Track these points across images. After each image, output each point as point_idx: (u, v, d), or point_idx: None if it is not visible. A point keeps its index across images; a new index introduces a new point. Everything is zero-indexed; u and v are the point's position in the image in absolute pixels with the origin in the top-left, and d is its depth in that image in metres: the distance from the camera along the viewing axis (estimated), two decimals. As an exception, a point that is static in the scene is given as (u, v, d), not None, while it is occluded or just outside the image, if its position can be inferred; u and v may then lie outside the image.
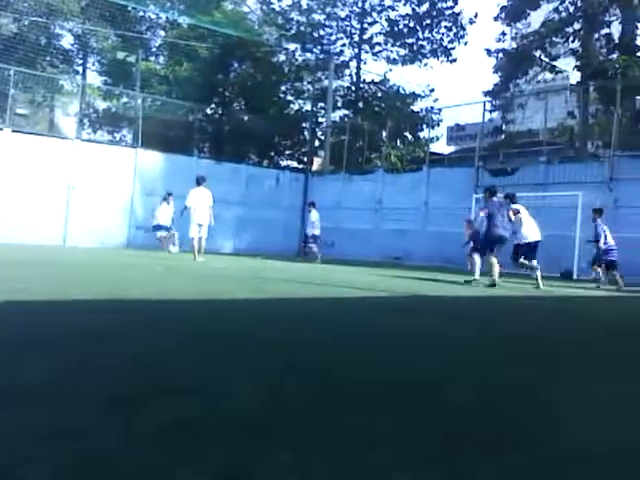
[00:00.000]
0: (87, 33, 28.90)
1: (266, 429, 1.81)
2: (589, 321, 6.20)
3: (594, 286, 12.15)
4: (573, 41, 25.09)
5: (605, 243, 12.37)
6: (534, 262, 10.60)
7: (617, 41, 24.20)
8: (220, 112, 29.74)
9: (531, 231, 10.85)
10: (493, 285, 9.81)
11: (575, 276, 14.96)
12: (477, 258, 10.66)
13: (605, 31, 24.59)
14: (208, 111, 28.93)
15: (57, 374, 2.34)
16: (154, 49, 31.11)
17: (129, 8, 27.97)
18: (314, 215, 17.45)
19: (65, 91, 28.50)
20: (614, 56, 23.71)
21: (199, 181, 13.73)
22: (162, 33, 31.06)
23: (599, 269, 12.37)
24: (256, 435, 1.75)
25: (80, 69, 30.33)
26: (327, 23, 30.71)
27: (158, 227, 16.51)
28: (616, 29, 24.52)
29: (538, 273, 10.42)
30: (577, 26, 25.02)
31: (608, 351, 4.03)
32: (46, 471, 1.40)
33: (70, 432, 1.67)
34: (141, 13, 29.97)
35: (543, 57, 26.19)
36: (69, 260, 11.23)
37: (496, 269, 9.96)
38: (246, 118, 28.79)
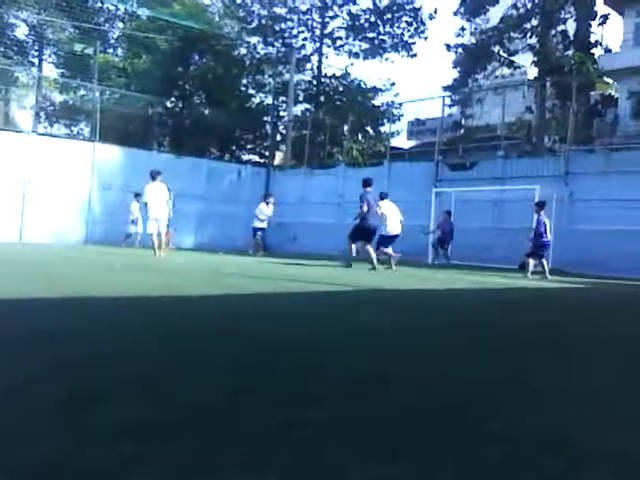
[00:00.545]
0: (43, 24, 28.23)
1: (222, 426, 1.81)
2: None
3: (538, 277, 12.45)
4: (531, 37, 25.55)
5: (544, 236, 12.75)
6: (390, 250, 12.79)
7: (572, 38, 24.74)
8: (180, 106, 29.45)
9: (394, 225, 13.07)
10: (374, 269, 11.75)
11: (532, 267, 15.25)
12: (370, 249, 12.29)
13: (561, 28, 25.10)
14: (168, 104, 28.61)
15: (8, 375, 2.31)
16: (112, 41, 30.61)
17: (86, -1, 27.44)
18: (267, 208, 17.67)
19: (20, 83, 27.85)
20: (570, 53, 24.23)
21: (154, 176, 13.47)
22: (120, 25, 30.56)
23: (533, 261, 12.81)
24: (212, 433, 1.76)
25: (36, 61, 29.66)
26: (288, 17, 30.61)
27: (134, 222, 17.20)
28: (571, 26, 25.06)
29: (393, 257, 12.61)
30: (534, 22, 25.48)
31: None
32: (1, 476, 1.39)
33: (24, 434, 1.65)
34: (99, 4, 29.41)
35: (501, 52, 26.61)
36: (24, 256, 11.00)
37: (374, 256, 12.05)
38: (207, 112, 28.57)
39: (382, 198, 13.63)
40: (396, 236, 13.18)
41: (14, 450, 1.55)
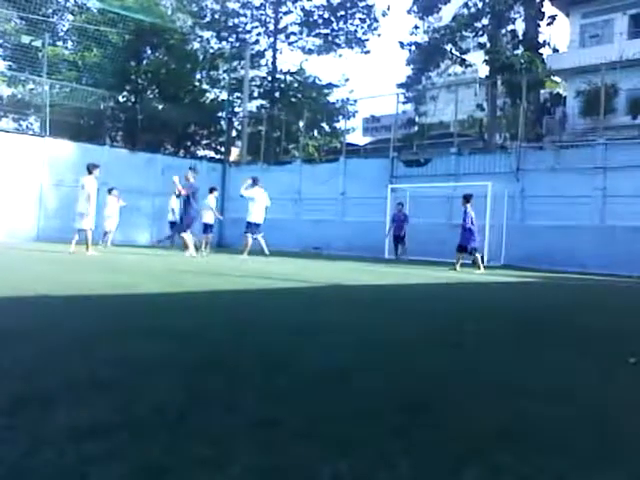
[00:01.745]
0: (-13, 14, 27.32)
1: (182, 425, 1.84)
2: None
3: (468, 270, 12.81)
4: (482, 36, 26.06)
5: (471, 229, 13.06)
6: (260, 236, 14.18)
7: (521, 37, 25.31)
8: (133, 100, 28.96)
9: (258, 214, 14.19)
10: (193, 257, 12.62)
11: (485, 262, 15.58)
12: (188, 236, 13.15)
13: (511, 27, 25.66)
14: (120, 99, 28.11)
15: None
16: (62, 34, 29.81)
17: (34, -11, 26.66)
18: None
19: (-36, 76, 26.93)
20: (519, 52, 24.78)
21: (90, 169, 12.91)
22: (70, 17, 29.81)
23: (463, 254, 13.09)
24: (172, 431, 1.78)
25: (-19, 53, 28.70)
26: (242, 12, 30.46)
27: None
28: (520, 26, 25.65)
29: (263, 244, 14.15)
30: (485, 21, 25.97)
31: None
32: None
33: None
34: (47, -5, 28.63)
35: (454, 51, 27.04)
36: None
37: (191, 244, 13.06)
38: (160, 107, 28.18)
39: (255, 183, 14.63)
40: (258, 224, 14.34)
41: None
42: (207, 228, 16.87)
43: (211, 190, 16.94)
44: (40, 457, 1.54)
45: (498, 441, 1.84)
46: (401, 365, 2.96)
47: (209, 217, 16.73)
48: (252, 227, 14.25)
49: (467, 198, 13.28)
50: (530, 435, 1.92)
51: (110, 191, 16.89)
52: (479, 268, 12.60)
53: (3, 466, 1.48)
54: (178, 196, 13.74)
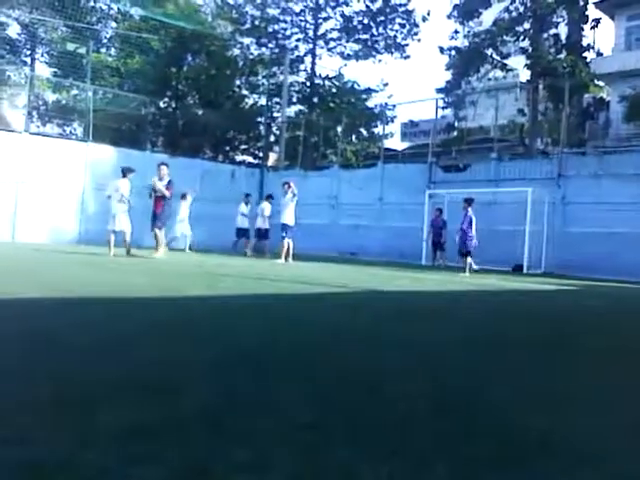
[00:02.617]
0: (35, 23, 28.09)
1: (223, 427, 1.83)
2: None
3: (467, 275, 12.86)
4: (523, 40, 25.66)
5: (469, 232, 13.28)
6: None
7: (564, 41, 24.86)
8: (173, 106, 29.38)
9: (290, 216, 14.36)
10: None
11: (525, 270, 15.34)
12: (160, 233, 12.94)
13: (553, 31, 25.22)
14: (161, 105, 28.56)
15: (6, 376, 2.32)
16: (105, 41, 30.47)
17: (79, -2, 27.32)
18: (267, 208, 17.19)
19: (12, 82, 27.70)
20: (562, 56, 24.35)
21: (124, 172, 13.14)
22: (113, 25, 30.44)
23: (468, 258, 13.31)
24: (213, 433, 1.77)
25: (28, 60, 29.49)
26: (282, 18, 30.61)
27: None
28: (563, 30, 25.20)
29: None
30: (527, 26, 25.59)
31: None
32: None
33: (24, 437, 1.66)
34: (92, 3, 29.29)
35: (494, 55, 26.70)
36: (16, 256, 10.96)
37: (162, 244, 12.98)
38: (200, 112, 28.52)
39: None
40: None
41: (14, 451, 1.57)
42: (262, 234, 17.00)
43: (267, 197, 17.25)
44: (83, 458, 1.55)
45: None
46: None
47: (262, 223, 16.96)
48: (285, 229, 14.38)
49: (469, 202, 13.43)
50: None
51: (184, 196, 17.50)
52: (464, 272, 12.90)
53: (47, 466, 1.49)
54: (160, 197, 12.67)
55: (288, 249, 14.13)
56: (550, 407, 2.37)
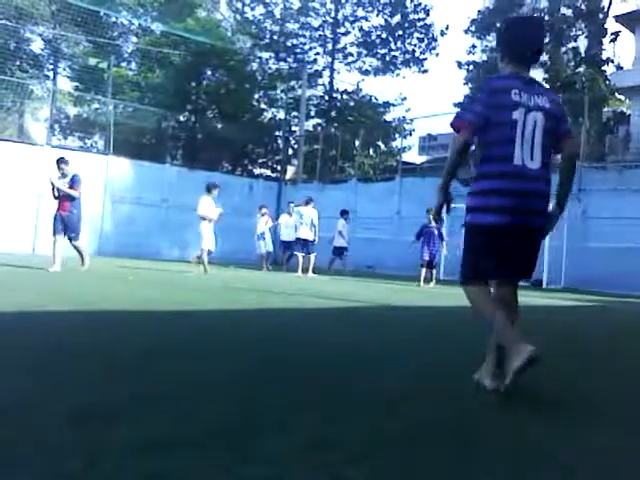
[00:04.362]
0: (58, 38, 28.57)
1: (238, 443, 1.82)
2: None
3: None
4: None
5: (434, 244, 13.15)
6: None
7: (583, 55, 24.75)
8: (193, 120, 29.65)
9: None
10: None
11: (545, 285, 15.19)
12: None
13: (572, 45, 25.13)
14: (181, 118, 28.81)
15: (17, 390, 2.32)
16: (126, 55, 30.88)
17: (101, 14, 27.73)
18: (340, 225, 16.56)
19: (35, 96, 28.11)
20: (581, 69, 24.23)
21: (209, 188, 13.07)
22: (134, 39, 30.86)
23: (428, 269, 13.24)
24: (229, 450, 1.76)
25: (51, 74, 29.97)
26: (300, 32, 30.87)
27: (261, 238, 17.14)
28: (582, 43, 25.10)
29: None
30: (545, 40, 25.52)
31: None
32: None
33: (39, 452, 1.66)
34: (113, 19, 29.75)
35: (512, 69, 26.62)
36: (37, 269, 11.05)
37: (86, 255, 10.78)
38: (219, 126, 28.74)
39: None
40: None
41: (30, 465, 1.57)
42: (307, 245, 16.27)
43: (342, 214, 16.71)
44: (99, 471, 1.55)
45: None
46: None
47: (307, 233, 16.26)
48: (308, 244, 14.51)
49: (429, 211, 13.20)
50: None
51: (261, 208, 17.47)
52: (428, 283, 12.96)
53: (63, 479, 1.49)
54: (66, 198, 10.31)
55: (307, 263, 14.16)
56: None
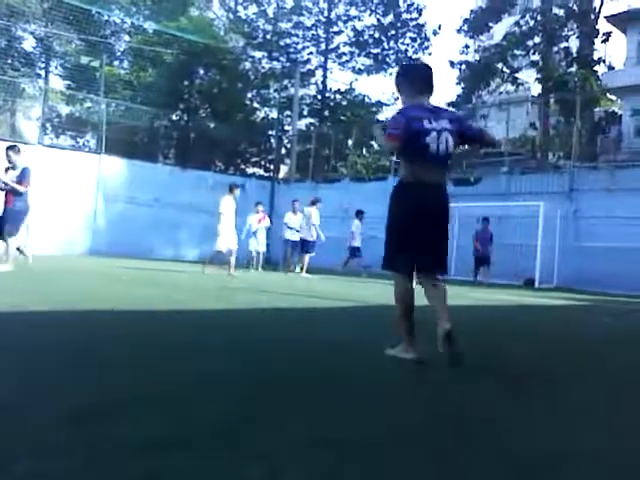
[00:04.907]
0: (50, 36, 28.45)
1: (236, 442, 1.83)
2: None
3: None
4: (534, 54, 25.70)
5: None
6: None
7: (575, 55, 24.86)
8: (185, 119, 29.59)
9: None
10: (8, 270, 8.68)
11: (537, 284, 15.26)
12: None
13: (564, 45, 25.23)
14: (173, 117, 28.76)
15: (15, 390, 2.33)
16: (118, 54, 30.77)
17: (93, 12, 27.60)
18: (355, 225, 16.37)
19: (27, 95, 28.01)
20: (573, 69, 24.33)
21: (231, 188, 12.69)
22: (127, 38, 30.76)
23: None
24: (227, 449, 1.77)
25: (43, 73, 29.84)
26: (293, 32, 30.86)
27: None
28: (574, 44, 25.20)
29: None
30: (537, 39, 25.63)
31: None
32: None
33: (33, 451, 1.66)
34: (105, 17, 29.63)
35: (505, 69, 26.73)
36: (30, 268, 11.01)
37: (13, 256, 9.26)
38: (212, 125, 28.70)
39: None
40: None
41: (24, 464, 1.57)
42: (355, 251, 16.32)
43: (357, 214, 16.52)
44: (97, 471, 1.56)
45: None
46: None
47: (352, 240, 16.24)
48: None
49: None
50: None
51: (314, 203, 16.16)
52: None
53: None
54: (11, 193, 9.17)
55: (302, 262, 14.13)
56: None
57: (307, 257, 15.25)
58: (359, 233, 16.28)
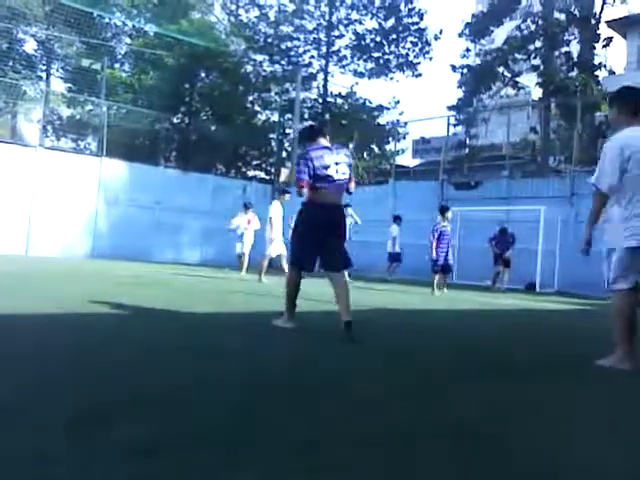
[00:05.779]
0: (51, 39, 28.49)
1: (228, 446, 1.83)
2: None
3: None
4: (535, 58, 25.73)
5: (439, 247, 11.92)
6: None
7: (576, 60, 24.88)
8: (187, 122, 29.61)
9: None
10: None
11: (538, 289, 15.24)
12: None
13: (565, 49, 25.26)
14: (174, 120, 28.77)
15: (15, 391, 2.33)
16: (120, 57, 30.83)
17: (95, 15, 27.66)
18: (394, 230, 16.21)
19: (28, 97, 28.02)
20: (573, 74, 24.36)
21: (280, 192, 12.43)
22: (128, 41, 30.81)
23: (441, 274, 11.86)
24: (219, 452, 1.77)
25: (44, 75, 29.88)
26: (295, 35, 30.89)
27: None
28: (575, 48, 25.23)
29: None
30: (538, 44, 25.66)
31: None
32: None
33: (32, 456, 1.66)
34: (107, 20, 29.70)
35: (506, 73, 26.75)
36: (31, 271, 11.03)
37: None
38: (213, 128, 28.72)
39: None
40: None
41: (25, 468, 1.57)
42: (396, 256, 16.16)
43: (395, 219, 16.31)
44: (92, 474, 1.56)
45: None
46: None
47: (392, 247, 16.10)
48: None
49: (443, 211, 12.09)
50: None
51: (246, 207, 15.46)
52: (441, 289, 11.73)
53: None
54: None
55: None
56: None
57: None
58: (392, 237, 16.22)
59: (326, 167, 4.62)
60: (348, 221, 15.03)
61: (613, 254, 4.18)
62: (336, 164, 4.66)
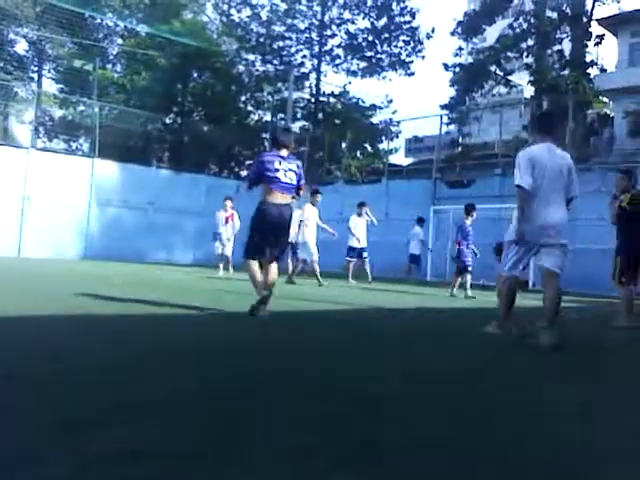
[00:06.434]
0: (43, 40, 28.40)
1: (221, 450, 1.82)
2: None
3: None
4: (527, 56, 25.81)
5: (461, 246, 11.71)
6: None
7: (568, 58, 24.96)
8: (179, 122, 29.57)
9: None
10: None
11: (530, 286, 15.23)
12: None
13: (557, 48, 25.35)
14: (167, 121, 28.73)
15: (11, 393, 2.31)
16: (112, 57, 30.77)
17: (86, 15, 27.59)
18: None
19: (19, 98, 27.91)
20: (565, 72, 24.43)
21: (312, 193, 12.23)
22: (120, 41, 30.75)
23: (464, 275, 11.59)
24: (211, 457, 1.76)
25: (35, 76, 29.79)
26: (287, 35, 30.88)
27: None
28: (567, 46, 25.31)
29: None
30: (530, 42, 25.74)
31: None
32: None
33: (23, 458, 1.65)
34: (98, 21, 29.62)
35: (498, 71, 26.84)
36: (24, 272, 10.98)
37: None
38: (206, 128, 28.69)
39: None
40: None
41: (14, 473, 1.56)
42: (416, 258, 16.12)
43: (418, 221, 16.23)
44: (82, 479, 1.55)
45: None
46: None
47: (415, 247, 16.05)
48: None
49: (469, 210, 11.68)
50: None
51: (360, 206, 14.91)
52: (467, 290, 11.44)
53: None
54: None
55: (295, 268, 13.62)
56: None
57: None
58: (419, 240, 16.18)
59: (276, 170, 5.63)
60: (364, 220, 15.19)
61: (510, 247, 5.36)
62: (285, 170, 5.68)
